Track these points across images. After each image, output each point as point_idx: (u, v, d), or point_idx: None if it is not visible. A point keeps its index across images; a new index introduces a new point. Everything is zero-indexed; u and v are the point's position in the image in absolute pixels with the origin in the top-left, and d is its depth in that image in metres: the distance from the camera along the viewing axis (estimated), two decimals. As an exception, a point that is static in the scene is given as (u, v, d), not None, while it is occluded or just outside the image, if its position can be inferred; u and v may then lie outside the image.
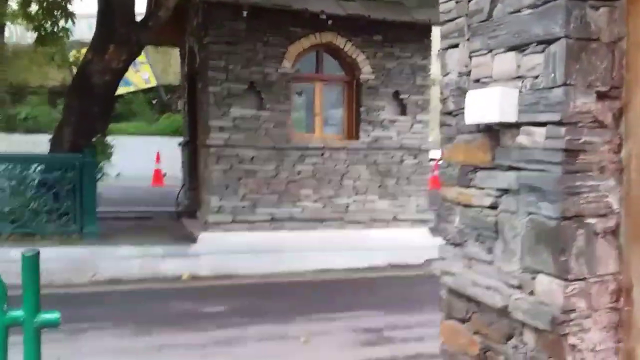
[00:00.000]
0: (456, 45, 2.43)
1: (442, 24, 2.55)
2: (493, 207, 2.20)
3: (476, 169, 2.30)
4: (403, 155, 9.29)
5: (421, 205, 9.39)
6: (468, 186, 2.34)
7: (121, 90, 20.74)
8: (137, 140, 19.63)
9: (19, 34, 20.84)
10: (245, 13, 7.91)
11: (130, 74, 20.78)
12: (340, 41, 8.89)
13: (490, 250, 2.23)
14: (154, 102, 22.18)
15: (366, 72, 9.04)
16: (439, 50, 2.61)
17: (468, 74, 2.34)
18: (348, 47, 8.93)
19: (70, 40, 14.67)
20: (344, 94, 9.31)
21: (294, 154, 8.73)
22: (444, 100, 2.51)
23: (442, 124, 2.53)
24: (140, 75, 21.79)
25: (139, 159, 18.97)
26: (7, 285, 1.89)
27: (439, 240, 8.37)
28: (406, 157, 9.31)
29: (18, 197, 7.85)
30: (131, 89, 21.58)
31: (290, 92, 8.75)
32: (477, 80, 2.27)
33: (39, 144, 10.39)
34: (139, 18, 8.54)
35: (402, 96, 9.25)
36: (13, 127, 19.61)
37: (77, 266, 7.34)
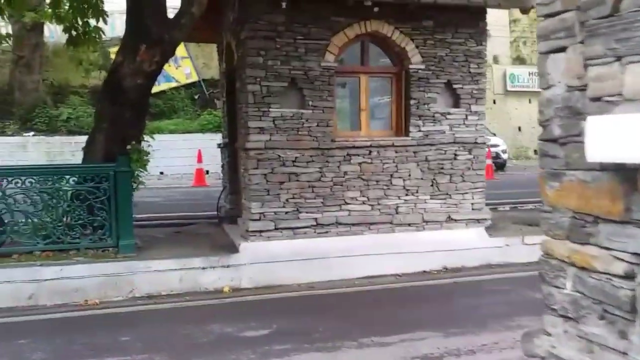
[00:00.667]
0: (562, 49, 1.79)
1: (541, 18, 1.89)
2: (628, 276, 1.58)
3: (598, 220, 1.67)
4: (456, 151, 8.58)
5: (477, 203, 8.67)
6: (586, 243, 1.71)
7: (163, 86, 20.68)
8: (179, 137, 19.52)
9: (59, 32, 20.85)
10: (284, 4, 7.30)
11: (171, 70, 20.64)
12: (387, 29, 8.21)
13: (623, 336, 1.60)
14: (196, 97, 21.89)
15: (416, 61, 8.34)
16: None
17: (583, 88, 1.70)
18: (396, 36, 8.25)
19: (105, 39, 14.42)
20: (392, 86, 8.63)
21: (339, 153, 8.13)
22: (545, 123, 1.88)
23: (543, 154, 1.89)
24: (182, 70, 21.54)
25: (181, 157, 18.90)
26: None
27: (497, 241, 7.66)
28: (460, 152, 8.60)
29: (50, 211, 7.47)
30: (173, 84, 21.40)
31: (334, 88, 8.13)
32: (598, 99, 1.63)
33: (81, 145, 10.07)
34: (170, 15, 8.05)
35: (455, 86, 8.53)
36: (54, 128, 19.59)
37: (113, 282, 6.94)
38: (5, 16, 9.94)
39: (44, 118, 19.76)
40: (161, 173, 18.93)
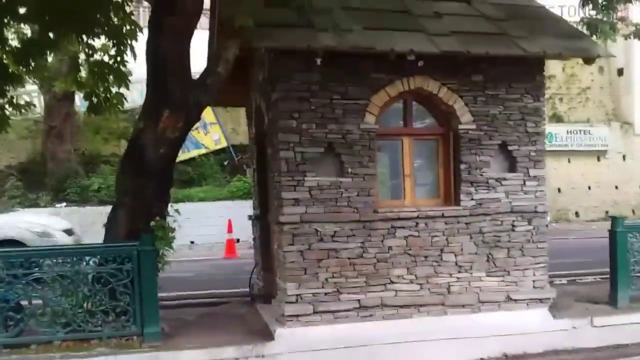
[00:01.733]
0: None
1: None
2: None
3: None
4: (514, 221, 7.60)
5: (539, 280, 7.62)
6: None
7: (192, 153, 20.36)
8: (209, 206, 19.05)
9: (90, 101, 20.83)
10: (319, 61, 6.60)
11: (200, 136, 20.37)
12: (432, 86, 7.43)
13: None
14: (225, 163, 21.49)
15: (466, 121, 7.51)
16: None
17: None
18: (443, 93, 7.46)
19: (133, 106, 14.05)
20: (439, 149, 7.78)
21: (383, 226, 7.23)
22: None
23: None
24: (211, 136, 21.26)
25: (212, 226, 18.34)
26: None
27: (562, 323, 6.50)
28: (518, 222, 7.62)
29: (70, 296, 6.78)
30: (202, 151, 21.09)
31: (375, 152, 7.31)
32: None
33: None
34: (195, 76, 7.41)
35: (510, 148, 7.64)
36: (86, 198, 19.39)
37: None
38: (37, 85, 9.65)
39: (76, 188, 19.68)
40: (192, 242, 18.45)
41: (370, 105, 7.20)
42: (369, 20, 7.22)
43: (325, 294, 7.02)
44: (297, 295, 6.94)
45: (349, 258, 7.09)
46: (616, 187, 23.88)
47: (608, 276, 9.87)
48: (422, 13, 7.71)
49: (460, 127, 7.50)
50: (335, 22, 6.95)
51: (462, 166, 7.51)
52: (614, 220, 8.03)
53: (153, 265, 6.92)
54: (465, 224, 7.46)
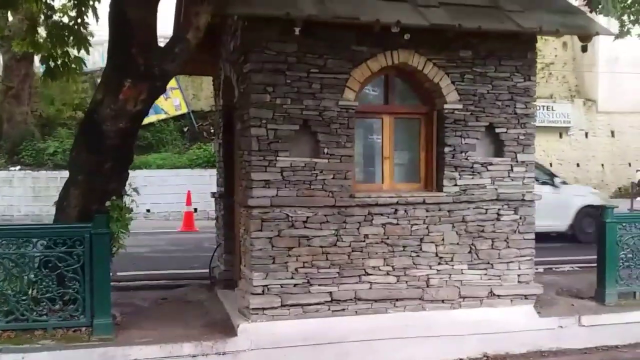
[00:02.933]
0: None
1: None
2: None
3: None
4: (500, 209, 7.10)
5: (524, 274, 7.18)
6: None
7: (152, 118, 19.43)
8: (167, 173, 18.38)
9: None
10: (297, 30, 5.87)
11: (160, 101, 19.41)
12: (417, 61, 6.79)
13: None
14: (185, 130, 20.64)
15: (452, 100, 6.91)
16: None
17: None
18: (428, 69, 6.83)
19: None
20: (422, 130, 7.19)
21: (359, 212, 6.65)
22: None
23: None
24: (171, 101, 20.38)
25: (169, 194, 17.72)
26: None
27: (548, 321, 5.97)
28: (504, 211, 7.12)
29: (14, 281, 6.07)
30: (162, 116, 20.22)
31: (354, 132, 6.67)
32: None
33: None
34: (161, 43, 6.60)
35: (498, 130, 7.09)
36: (41, 162, 18.67)
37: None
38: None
39: (31, 151, 18.95)
40: (148, 211, 17.81)
41: (350, 80, 6.54)
42: (352, -12, 6.52)
43: (295, 285, 6.43)
44: (263, 286, 6.34)
45: (321, 246, 6.51)
46: (578, 165, 23.86)
47: (585, 265, 9.61)
48: (408, -18, 7.03)
49: (445, 106, 6.91)
50: (316, -13, 6.23)
51: (446, 149, 6.94)
52: (604, 210, 7.55)
53: (106, 249, 6.24)
54: (448, 211, 6.93)
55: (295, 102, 6.34)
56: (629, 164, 23.76)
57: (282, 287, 6.39)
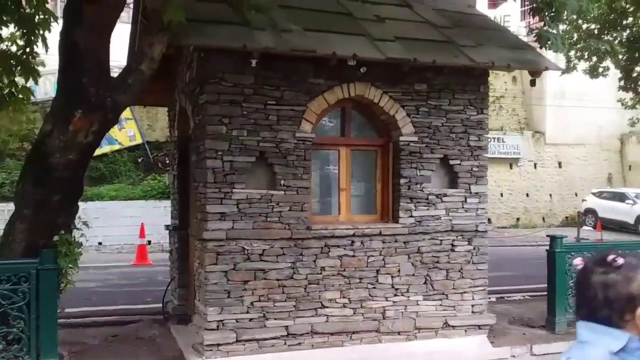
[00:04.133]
0: None
1: None
2: None
3: None
4: (454, 240, 7.18)
5: (478, 304, 7.23)
6: None
7: (105, 149, 19.01)
8: (120, 204, 17.93)
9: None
10: (254, 62, 5.87)
11: (114, 131, 19.10)
12: (373, 94, 6.88)
13: None
14: (139, 161, 20.27)
15: (407, 132, 7.00)
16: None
17: None
18: (384, 102, 6.91)
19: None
20: (378, 162, 7.25)
21: (316, 244, 6.61)
22: None
23: None
24: (126, 132, 19.99)
25: (122, 227, 17.27)
26: None
27: (501, 351, 6.06)
28: (458, 242, 7.20)
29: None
30: (116, 147, 19.80)
31: (310, 164, 6.67)
32: None
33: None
34: (114, 73, 6.48)
35: (452, 162, 7.21)
36: None
37: None
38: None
39: None
40: (99, 244, 17.24)
41: (307, 112, 6.56)
42: (308, 21, 6.60)
43: (250, 319, 6.32)
44: (218, 321, 6.21)
45: (277, 279, 6.43)
46: (527, 195, 24.39)
47: (536, 293, 9.74)
48: (364, 16, 7.17)
49: (401, 138, 6.99)
50: (273, 20, 6.26)
51: (402, 180, 7.00)
52: (553, 239, 7.70)
53: (54, 286, 6.03)
54: (404, 242, 6.97)
55: (251, 134, 6.31)
56: (575, 194, 24.44)
57: (237, 321, 6.26)
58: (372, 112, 7.13)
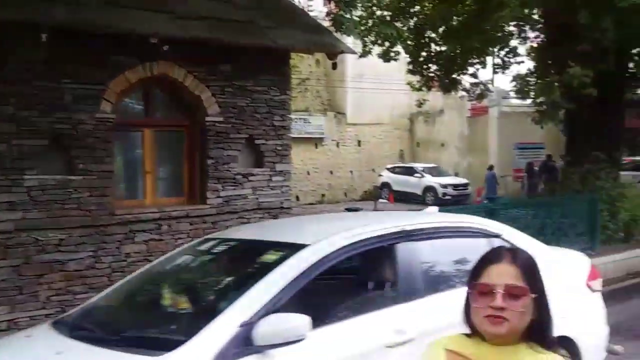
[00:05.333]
0: None
1: None
2: None
3: None
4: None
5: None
6: None
7: None
8: None
9: None
10: (44, 36, 5.37)
11: None
12: (178, 73, 6.69)
13: None
14: None
15: (213, 112, 6.94)
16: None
17: None
18: (189, 81, 6.76)
19: None
20: (184, 143, 7.10)
21: (120, 230, 6.34)
22: None
23: None
24: None
25: None
26: None
27: None
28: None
29: None
30: None
31: (112, 146, 6.33)
32: None
33: None
34: None
35: (257, 142, 7.30)
36: None
37: None
38: None
39: None
40: None
41: (107, 92, 6.20)
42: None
43: (47, 315, 5.84)
44: (9, 321, 5.68)
45: (77, 270, 6.05)
46: (331, 172, 25.59)
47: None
48: (168, -7, 6.90)
49: (207, 119, 6.93)
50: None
51: (209, 161, 6.95)
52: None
53: None
54: (212, 223, 6.94)
55: (44, 115, 5.81)
56: (373, 170, 26.14)
57: (31, 319, 5.77)
58: (177, 92, 6.96)
